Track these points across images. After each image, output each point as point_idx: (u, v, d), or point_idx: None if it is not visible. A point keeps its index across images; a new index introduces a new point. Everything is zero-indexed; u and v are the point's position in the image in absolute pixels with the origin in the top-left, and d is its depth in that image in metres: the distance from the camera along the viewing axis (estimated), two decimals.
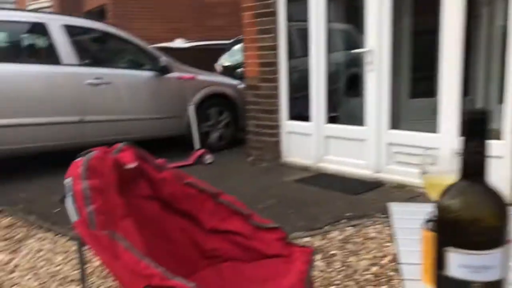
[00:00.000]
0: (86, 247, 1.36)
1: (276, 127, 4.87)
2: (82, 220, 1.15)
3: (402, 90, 4.81)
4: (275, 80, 4.77)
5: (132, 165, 1.48)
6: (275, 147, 4.92)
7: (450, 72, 3.53)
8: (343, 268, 2.48)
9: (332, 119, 4.53)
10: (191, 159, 4.90)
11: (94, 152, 1.37)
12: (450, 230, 0.66)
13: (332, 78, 4.55)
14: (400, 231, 1.23)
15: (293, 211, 3.39)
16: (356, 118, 4.28)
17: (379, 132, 4.06)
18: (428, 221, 0.90)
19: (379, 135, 4.06)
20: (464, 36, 3.46)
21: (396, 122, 4.06)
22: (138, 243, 1.19)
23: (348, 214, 3.28)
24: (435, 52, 3.60)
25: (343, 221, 3.17)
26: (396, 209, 1.41)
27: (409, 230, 1.18)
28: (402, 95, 4.80)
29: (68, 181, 1.23)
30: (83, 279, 1.36)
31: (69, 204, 1.18)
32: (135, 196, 1.55)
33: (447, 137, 3.57)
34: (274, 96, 4.82)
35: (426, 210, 0.93)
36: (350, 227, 3.04)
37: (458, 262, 0.64)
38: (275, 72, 4.76)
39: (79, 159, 1.33)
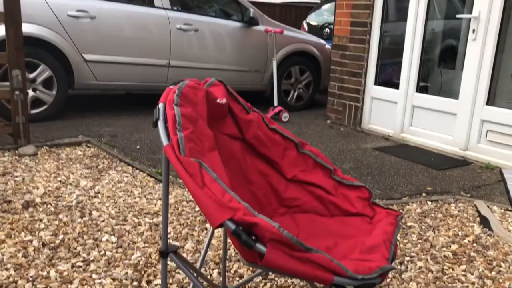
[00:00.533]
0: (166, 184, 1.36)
1: (360, 91, 4.68)
2: (172, 145, 1.13)
3: (504, 66, 4.41)
4: (365, 41, 4.55)
5: (221, 100, 1.44)
6: (356, 112, 4.74)
7: None
8: (420, 241, 2.35)
9: (422, 90, 4.27)
10: (268, 115, 4.86)
11: (187, 82, 1.34)
12: None
13: (428, 46, 4.25)
14: None
15: (370, 178, 3.27)
16: (448, 90, 3.99)
17: (474, 107, 3.77)
18: None
19: (473, 111, 3.77)
20: None
21: (493, 99, 3.73)
22: (224, 176, 1.16)
23: (429, 188, 3.10)
24: None
25: (423, 194, 3.01)
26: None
27: None
28: (503, 71, 4.41)
29: (161, 106, 1.21)
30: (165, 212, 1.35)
31: (161, 128, 1.17)
32: (221, 133, 1.52)
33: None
34: (362, 58, 4.61)
35: None
36: (430, 202, 2.88)
37: None
38: (366, 33, 4.53)
39: (172, 86, 1.30)
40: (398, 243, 2.31)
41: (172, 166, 1.13)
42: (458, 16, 3.97)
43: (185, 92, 1.27)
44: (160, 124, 1.17)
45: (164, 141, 1.14)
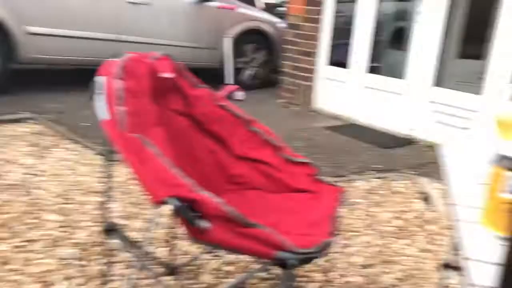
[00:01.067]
0: (111, 162, 1.32)
1: (313, 71, 4.72)
2: (112, 120, 1.09)
3: (450, 48, 4.56)
4: (318, 21, 4.57)
5: (167, 74, 1.41)
6: (308, 91, 4.79)
7: (505, 37, 3.29)
8: (366, 217, 2.43)
9: (373, 70, 4.35)
10: (222, 94, 4.82)
11: (131, 55, 1.30)
12: None
13: (379, 27, 4.32)
14: (452, 171, 1.13)
15: (320, 156, 3.33)
16: (398, 71, 4.09)
17: (421, 88, 3.88)
18: (503, 158, 0.79)
19: (420, 91, 3.89)
20: None
21: (440, 81, 3.86)
22: (168, 152, 1.14)
23: (375, 166, 3.19)
24: (493, 14, 3.35)
25: (370, 172, 3.09)
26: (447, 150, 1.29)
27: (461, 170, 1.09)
28: (449, 53, 4.56)
29: (100, 79, 1.17)
30: (107, 191, 1.33)
31: (100, 103, 1.13)
32: (167, 109, 1.49)
33: (491, 100, 3.39)
34: (315, 38, 4.63)
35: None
36: (376, 179, 2.97)
37: None
38: (320, 12, 4.55)
39: (114, 59, 1.26)
40: (342, 218, 2.38)
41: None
42: None
43: (128, 65, 1.23)
44: (99, 98, 1.13)
45: (102, 116, 1.10)
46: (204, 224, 1.05)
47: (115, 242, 1.92)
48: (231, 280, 1.82)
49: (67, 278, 1.72)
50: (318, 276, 1.89)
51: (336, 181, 2.85)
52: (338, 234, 1.27)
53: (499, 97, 3.35)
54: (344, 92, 4.48)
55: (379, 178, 2.99)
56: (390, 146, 3.70)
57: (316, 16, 4.57)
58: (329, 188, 1.58)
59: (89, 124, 3.52)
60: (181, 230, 2.08)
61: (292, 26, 4.85)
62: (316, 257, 1.14)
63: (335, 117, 4.49)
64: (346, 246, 2.13)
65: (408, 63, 3.97)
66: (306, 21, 4.67)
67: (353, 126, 4.27)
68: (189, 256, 1.92)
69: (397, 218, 2.45)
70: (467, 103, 3.58)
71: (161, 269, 1.79)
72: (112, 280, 1.71)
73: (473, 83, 3.60)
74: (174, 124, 1.51)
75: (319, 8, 4.54)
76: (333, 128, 4.12)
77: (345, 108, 4.47)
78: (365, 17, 4.24)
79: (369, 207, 2.55)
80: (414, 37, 3.90)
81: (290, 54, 4.91)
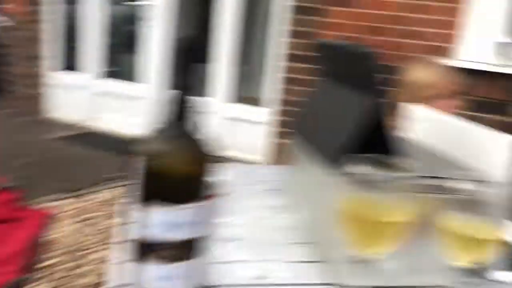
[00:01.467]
0: None
1: (39, 77, 4.31)
2: None
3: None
4: (41, 22, 4.18)
5: None
6: (39, 99, 4.36)
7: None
8: (99, 232, 2.31)
9: (109, 75, 4.22)
10: None
11: None
12: (152, 181, 0.56)
13: (113, 31, 4.21)
14: None
15: (51, 171, 3.05)
16: (134, 75, 4.07)
17: (157, 91, 3.94)
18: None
19: (156, 95, 3.95)
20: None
21: None
22: None
23: (113, 175, 3.09)
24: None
25: (107, 182, 2.98)
26: None
27: None
28: None
29: None
30: None
31: None
32: None
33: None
34: (39, 41, 4.23)
35: None
36: (113, 189, 2.87)
37: (158, 218, 0.54)
38: (41, 13, 4.17)
39: None
40: (63, 239, 2.21)
41: None
42: (136, 3, 4.06)
43: None
44: None
45: None
46: None
47: None
48: None
49: None
50: None
51: (66, 197, 2.68)
52: (36, 266, 1.12)
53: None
54: (80, 98, 4.23)
55: (116, 187, 2.90)
56: (128, 153, 3.64)
57: (38, 18, 4.18)
58: (34, 213, 1.41)
59: None
60: None
61: (10, 28, 4.33)
62: None
63: (69, 126, 4.20)
64: (75, 267, 1.97)
65: (142, 67, 3.98)
66: (28, 22, 4.22)
67: (89, 134, 4.06)
68: None
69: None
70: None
71: None
72: None
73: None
74: None
75: (39, 8, 4.16)
76: (68, 138, 3.84)
77: (81, 116, 4.23)
78: (92, 19, 4.07)
79: (104, 220, 2.44)
80: (145, 40, 3.92)
81: (11, 59, 4.37)
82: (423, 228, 0.73)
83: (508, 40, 2.45)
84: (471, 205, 0.74)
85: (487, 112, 2.58)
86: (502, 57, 2.48)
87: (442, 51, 2.92)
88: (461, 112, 2.06)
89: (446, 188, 0.76)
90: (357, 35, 2.99)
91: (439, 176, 0.79)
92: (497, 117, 2.57)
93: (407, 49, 2.92)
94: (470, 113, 2.62)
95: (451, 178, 0.78)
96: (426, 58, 2.06)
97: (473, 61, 2.60)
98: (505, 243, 0.74)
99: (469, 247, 0.72)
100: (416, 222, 0.69)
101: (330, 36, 3.04)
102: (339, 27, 3.04)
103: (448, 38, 2.90)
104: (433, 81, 1.88)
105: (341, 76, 0.92)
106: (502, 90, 2.53)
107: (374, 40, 2.96)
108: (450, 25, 2.87)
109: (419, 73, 1.92)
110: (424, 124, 1.08)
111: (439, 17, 2.89)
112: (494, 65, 2.51)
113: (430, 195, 0.76)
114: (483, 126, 0.95)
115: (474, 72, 2.56)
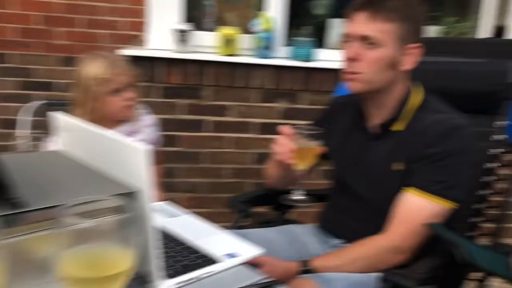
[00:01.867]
0: None
1: None
2: None
3: None
4: None
5: None
6: None
7: None
8: None
9: None
10: None
11: None
12: None
13: None
14: None
15: None
16: None
17: None
18: None
19: None
20: None
21: None
22: None
23: None
24: None
25: None
26: None
27: None
28: None
29: None
30: None
31: None
32: None
33: None
34: None
35: None
36: None
37: None
38: None
39: None
40: None
41: None
42: None
43: None
44: None
45: None
46: None
47: None
48: None
49: None
50: None
51: None
52: None
53: None
54: None
55: None
56: None
57: None
58: None
59: None
60: None
61: None
62: None
63: None
64: None
65: None
66: None
67: None
68: None
69: None
70: None
71: None
72: None
73: None
74: None
75: None
76: None
77: None
78: None
79: None
80: None
81: None
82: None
83: (185, 27, 2.53)
84: (91, 236, 0.61)
85: (184, 98, 2.64)
86: (182, 44, 2.55)
87: (132, 40, 2.85)
88: (141, 102, 2.02)
89: (60, 221, 0.61)
90: (38, 26, 2.66)
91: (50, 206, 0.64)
92: (194, 101, 2.65)
93: (96, 40, 2.74)
94: (168, 100, 2.64)
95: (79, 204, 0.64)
96: (99, 50, 1.92)
97: (160, 49, 2.61)
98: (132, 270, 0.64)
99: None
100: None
101: (9, 29, 2.62)
102: (18, 18, 2.64)
103: (136, 27, 2.84)
104: (108, 75, 1.75)
105: None
106: (191, 75, 2.61)
107: (59, 31, 2.68)
108: (137, 13, 2.82)
109: (91, 67, 1.76)
110: (68, 134, 0.92)
111: (126, 5, 2.80)
112: (176, 51, 2.56)
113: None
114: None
115: (163, 59, 2.57)
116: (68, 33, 2.73)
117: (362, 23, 1.26)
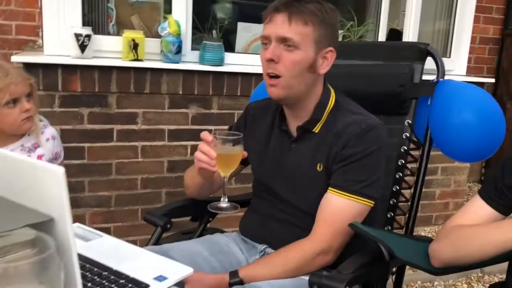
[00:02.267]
0: None
1: None
2: None
3: None
4: None
5: None
6: None
7: None
8: None
9: None
10: None
11: None
12: None
13: None
14: None
15: None
16: None
17: None
18: None
19: None
20: None
21: None
22: None
23: None
24: None
25: None
26: None
27: None
28: None
29: None
30: None
31: None
32: None
33: None
34: None
35: None
36: None
37: None
38: None
39: None
40: None
41: None
42: None
43: None
44: None
45: None
46: None
47: None
48: None
49: None
50: None
51: None
52: None
53: None
54: None
55: None
56: None
57: None
58: None
59: None
60: None
61: None
62: None
63: None
64: None
65: None
66: None
67: None
68: None
69: None
70: None
71: None
72: None
73: None
74: None
75: None
76: None
77: None
78: None
79: None
80: None
81: None
82: None
83: (85, 31, 2.36)
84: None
85: (88, 106, 2.47)
86: (82, 49, 2.38)
87: (26, 45, 2.62)
88: (39, 113, 1.85)
89: None
90: None
91: None
92: (99, 110, 2.49)
93: None
94: (70, 109, 2.45)
95: None
96: None
97: (58, 55, 2.42)
98: None
99: None
100: None
101: None
102: None
103: (30, 31, 2.62)
104: (1, 85, 1.58)
105: None
106: (94, 82, 2.45)
107: None
108: (30, 16, 2.60)
109: None
110: None
111: (18, 8, 2.57)
112: (76, 57, 2.39)
113: None
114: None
115: (61, 66, 2.38)
116: None
117: (280, 25, 1.26)
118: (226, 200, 1.31)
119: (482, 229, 1.14)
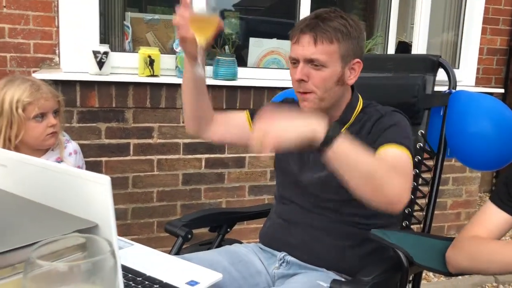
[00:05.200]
0: None
1: None
2: None
3: None
4: None
5: None
6: None
7: None
8: None
9: None
10: None
11: None
12: None
13: None
14: None
15: None
16: None
17: None
18: None
19: None
20: None
21: None
22: None
23: None
24: None
25: None
26: None
27: None
28: None
29: None
30: None
31: None
32: None
33: None
34: None
35: None
36: None
37: None
38: None
39: None
40: None
41: None
42: None
43: None
44: None
45: None
46: None
47: None
48: None
49: None
50: None
51: None
52: None
53: None
54: None
55: None
56: None
57: None
58: None
59: None
60: None
61: None
62: None
63: None
64: None
65: None
66: None
67: None
68: None
69: None
70: None
71: None
72: None
73: None
74: None
75: None
76: None
77: None
78: None
79: None
80: None
81: None
82: None
83: (103, 48, 2.44)
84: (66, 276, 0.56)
85: (106, 121, 2.53)
86: (100, 66, 2.45)
87: (44, 63, 2.70)
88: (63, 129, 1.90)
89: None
90: None
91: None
92: (116, 124, 2.55)
93: (2, 64, 2.56)
94: (88, 124, 2.51)
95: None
96: (20, 75, 1.80)
97: (76, 72, 2.49)
98: None
99: None
100: None
101: None
102: None
103: (48, 49, 2.69)
104: (31, 99, 1.64)
105: None
106: (112, 97, 2.51)
107: None
108: (48, 34, 2.67)
109: (13, 91, 1.63)
110: (5, 170, 0.84)
111: (36, 27, 2.65)
112: (94, 74, 2.46)
113: None
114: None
115: (80, 82, 2.45)
116: None
117: (307, 47, 1.32)
118: (200, 66, 1.33)
119: (503, 248, 1.14)
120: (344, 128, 1.41)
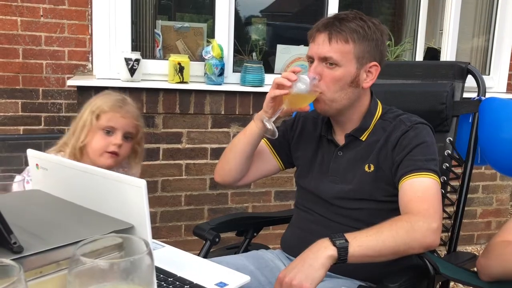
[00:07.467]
0: None
1: None
2: None
3: None
4: None
5: None
6: None
7: None
8: None
9: None
10: None
11: None
12: None
13: None
14: None
15: None
16: None
17: None
18: None
19: None
20: None
21: None
22: None
23: None
24: None
25: None
26: None
27: None
28: None
29: None
30: None
31: None
32: None
33: None
34: None
35: None
36: None
37: None
38: None
39: None
40: None
41: None
42: None
43: None
44: None
45: None
46: None
47: None
48: None
49: None
50: None
51: None
52: None
53: None
54: None
55: None
56: None
57: None
58: None
59: None
60: None
61: None
62: None
63: None
64: None
65: None
66: None
67: None
68: None
69: None
70: None
71: None
72: None
73: None
74: None
75: None
76: None
77: None
78: None
79: None
80: None
81: None
82: None
83: (134, 56, 2.50)
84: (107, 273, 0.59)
85: None
86: (132, 73, 2.51)
87: (78, 70, 2.79)
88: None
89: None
90: None
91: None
92: (148, 130, 2.61)
93: (37, 70, 2.66)
94: None
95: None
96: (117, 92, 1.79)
97: (108, 78, 2.57)
98: None
99: None
100: None
101: None
102: None
103: (81, 56, 2.78)
104: (109, 109, 1.62)
105: None
106: (143, 103, 2.58)
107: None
108: (81, 42, 2.77)
109: (100, 99, 1.66)
110: (45, 172, 0.88)
111: (70, 35, 2.74)
112: (126, 80, 2.53)
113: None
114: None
115: (112, 89, 2.51)
116: (5, 64, 2.64)
117: (321, 45, 1.33)
118: (272, 122, 1.34)
119: None
120: (364, 135, 1.41)
